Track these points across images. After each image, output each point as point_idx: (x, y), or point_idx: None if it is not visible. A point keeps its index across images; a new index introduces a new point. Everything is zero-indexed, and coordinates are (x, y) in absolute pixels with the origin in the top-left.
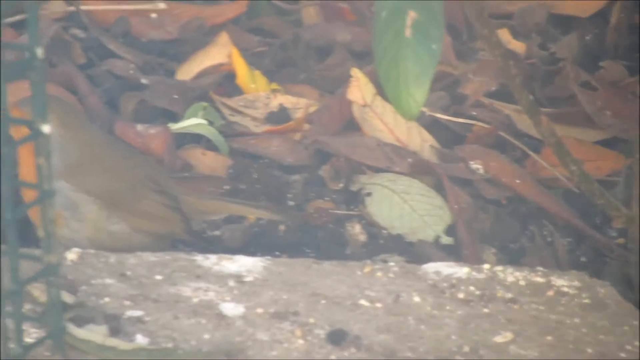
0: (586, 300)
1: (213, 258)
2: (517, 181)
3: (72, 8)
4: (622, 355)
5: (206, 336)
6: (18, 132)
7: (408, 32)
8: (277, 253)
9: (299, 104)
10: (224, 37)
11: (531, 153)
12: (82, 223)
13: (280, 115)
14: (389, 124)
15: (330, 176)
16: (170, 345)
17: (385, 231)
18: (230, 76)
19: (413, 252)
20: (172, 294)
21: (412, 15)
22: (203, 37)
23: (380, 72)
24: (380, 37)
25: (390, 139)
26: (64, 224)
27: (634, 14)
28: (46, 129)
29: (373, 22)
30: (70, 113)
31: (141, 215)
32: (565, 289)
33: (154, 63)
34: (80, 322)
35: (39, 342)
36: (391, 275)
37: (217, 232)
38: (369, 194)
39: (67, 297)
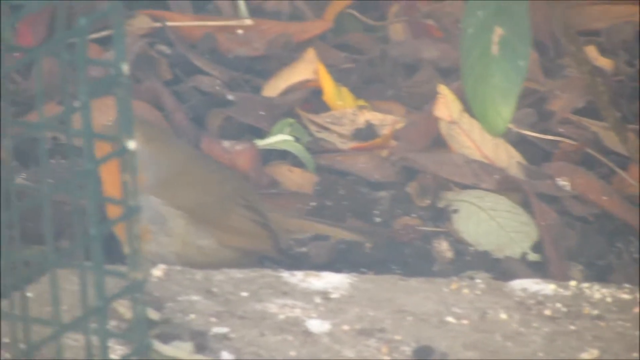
0: None
1: (299, 275)
2: (604, 198)
3: (158, 24)
4: None
5: (292, 353)
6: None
7: (495, 49)
8: (363, 270)
9: (386, 120)
10: (310, 54)
11: (618, 170)
12: (171, 238)
13: (367, 132)
14: (476, 140)
15: (417, 193)
16: None
17: (472, 248)
18: (317, 92)
19: (500, 269)
20: (258, 310)
21: (498, 31)
22: (290, 53)
23: (468, 88)
24: (467, 54)
25: (477, 155)
26: (152, 238)
27: None
28: (132, 145)
29: (460, 39)
30: (155, 129)
31: (229, 231)
32: None
33: (241, 79)
34: (166, 338)
35: (124, 359)
36: (478, 292)
37: (303, 249)
38: (455, 211)
39: (153, 314)
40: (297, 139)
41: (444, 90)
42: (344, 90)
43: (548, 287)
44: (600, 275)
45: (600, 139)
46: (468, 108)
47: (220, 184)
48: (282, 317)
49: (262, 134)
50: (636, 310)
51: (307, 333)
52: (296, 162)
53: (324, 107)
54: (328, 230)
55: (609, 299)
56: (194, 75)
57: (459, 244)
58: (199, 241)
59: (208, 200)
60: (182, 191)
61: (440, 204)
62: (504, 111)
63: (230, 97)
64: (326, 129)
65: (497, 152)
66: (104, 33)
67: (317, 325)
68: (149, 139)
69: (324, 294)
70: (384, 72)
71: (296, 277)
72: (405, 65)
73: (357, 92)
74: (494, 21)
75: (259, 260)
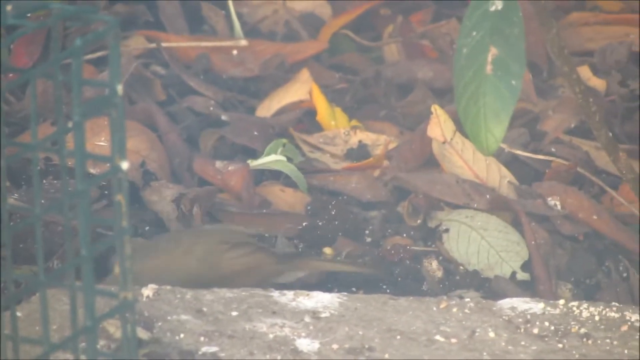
0: None
1: (289, 294)
2: (594, 217)
3: (152, 45)
4: None
5: None
6: None
7: (489, 68)
8: (353, 289)
9: (379, 140)
10: (304, 74)
11: (609, 189)
12: None
13: (360, 152)
14: (468, 160)
15: (409, 212)
16: None
17: (462, 267)
18: (311, 113)
19: (489, 288)
20: (247, 330)
21: (493, 51)
22: (284, 74)
23: (460, 108)
24: (461, 73)
25: (469, 175)
26: None
27: None
28: (124, 165)
29: (454, 59)
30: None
31: (230, 276)
32: None
33: (235, 100)
34: (156, 358)
35: None
36: (467, 310)
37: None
38: (446, 230)
39: (143, 333)
40: (290, 159)
41: (437, 110)
42: (338, 111)
43: (537, 306)
44: (589, 294)
45: (592, 158)
46: (460, 128)
47: (190, 247)
48: (271, 336)
49: (255, 154)
50: (624, 328)
51: (297, 352)
52: (288, 182)
53: (317, 128)
54: (322, 265)
55: (597, 318)
56: (188, 96)
57: (449, 263)
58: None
59: (189, 265)
60: (168, 277)
61: (431, 224)
62: (496, 130)
63: (224, 117)
64: (319, 149)
65: (489, 171)
66: (98, 54)
67: (307, 345)
68: None
69: (314, 313)
70: (378, 92)
71: (286, 297)
72: (399, 86)
73: (351, 112)
74: (488, 41)
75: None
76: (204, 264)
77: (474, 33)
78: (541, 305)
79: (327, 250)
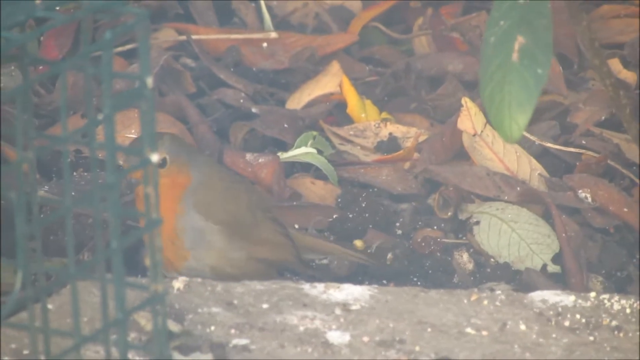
0: None
1: (320, 286)
2: (625, 210)
3: (183, 37)
4: None
5: None
6: None
7: (515, 57)
8: (384, 281)
9: (409, 133)
10: (335, 67)
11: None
12: (209, 252)
13: (390, 145)
14: (498, 153)
15: (439, 205)
16: None
17: (492, 259)
18: (341, 105)
19: (520, 281)
20: (278, 322)
21: (520, 40)
22: (314, 66)
23: (485, 95)
24: (487, 62)
25: (500, 168)
26: (190, 258)
27: None
28: (155, 157)
29: (481, 48)
30: (182, 146)
31: (259, 242)
32: None
33: (265, 92)
34: (186, 350)
35: None
36: (498, 303)
37: (324, 261)
38: (477, 223)
39: (173, 326)
40: (320, 152)
41: (467, 102)
42: (368, 103)
43: (568, 299)
44: (620, 287)
45: (622, 151)
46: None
47: (247, 193)
48: (302, 328)
49: (286, 147)
50: None
51: (327, 344)
52: (319, 174)
53: (347, 120)
54: (339, 250)
55: (628, 310)
56: (218, 88)
57: (479, 255)
58: (232, 254)
59: (241, 213)
60: (218, 205)
61: (462, 216)
62: (520, 119)
63: (254, 110)
64: (349, 141)
65: (520, 164)
66: (128, 46)
67: (337, 337)
68: (177, 157)
69: (345, 306)
70: (408, 85)
71: (317, 289)
72: (429, 78)
73: (381, 104)
74: (516, 31)
75: (280, 272)
76: (251, 214)
77: (502, 22)
78: (572, 297)
79: (358, 243)
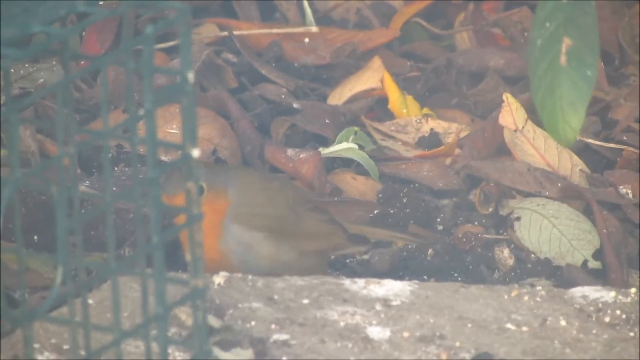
0: None
1: (360, 282)
2: None
3: (224, 33)
4: None
5: None
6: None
7: (563, 60)
8: (424, 277)
9: (450, 128)
10: (376, 62)
11: None
12: (259, 261)
13: (431, 140)
14: (539, 148)
15: (480, 200)
16: None
17: (533, 255)
18: (382, 101)
19: (560, 276)
20: (318, 317)
21: (567, 42)
22: (355, 61)
23: (537, 100)
24: (535, 65)
25: (541, 163)
26: (234, 264)
27: None
28: (195, 153)
29: (528, 50)
30: (217, 171)
31: (306, 236)
32: None
33: (306, 87)
34: (226, 346)
35: None
36: (538, 299)
37: (365, 257)
38: (518, 218)
39: (214, 321)
40: (362, 147)
41: (508, 98)
42: (409, 99)
43: (608, 294)
44: None
45: None
46: (532, 116)
47: (282, 191)
48: (342, 324)
49: (327, 142)
50: None
51: (367, 340)
52: (360, 170)
53: (388, 116)
54: (386, 234)
55: None
56: (259, 84)
57: (520, 251)
58: (283, 257)
59: (281, 212)
60: (258, 212)
61: (503, 212)
62: (573, 121)
63: (295, 105)
64: (390, 137)
65: (560, 160)
66: (170, 43)
67: (377, 332)
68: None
69: (385, 301)
70: (449, 80)
71: (357, 285)
72: (470, 74)
73: (422, 100)
74: (562, 32)
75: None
76: (292, 211)
77: (547, 24)
78: (612, 293)
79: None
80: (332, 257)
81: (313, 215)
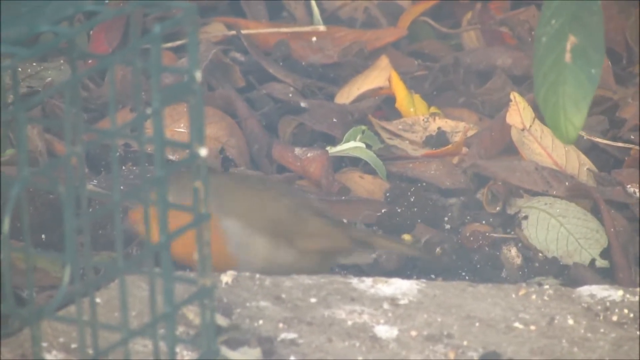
0: None
1: (368, 281)
2: None
3: (232, 32)
4: None
5: (359, 359)
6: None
7: (568, 57)
8: (432, 276)
9: (458, 127)
10: (383, 61)
11: None
12: (255, 258)
13: (439, 139)
14: (547, 147)
15: (488, 199)
16: None
17: (540, 254)
18: (390, 100)
19: (568, 275)
20: (326, 316)
21: (572, 39)
22: (363, 60)
23: (539, 96)
24: (540, 62)
25: (548, 162)
26: (237, 264)
27: None
28: (203, 152)
29: (534, 48)
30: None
31: (309, 236)
32: None
33: (314, 86)
34: (234, 344)
35: None
36: (546, 298)
37: (373, 255)
38: (525, 217)
39: (221, 320)
40: (369, 146)
41: (516, 97)
42: (417, 98)
43: (616, 293)
44: None
45: None
46: (539, 115)
47: (283, 196)
48: (350, 323)
49: (334, 141)
50: None
51: (375, 338)
52: (367, 169)
53: (396, 115)
54: (386, 244)
55: None
56: (267, 83)
57: (528, 250)
58: (280, 259)
59: (282, 215)
60: (256, 212)
61: (510, 211)
62: (576, 119)
63: (303, 104)
64: (398, 136)
65: (568, 159)
66: (178, 42)
67: (385, 331)
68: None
69: (393, 300)
70: (456, 79)
71: (365, 284)
72: (478, 73)
73: (430, 99)
74: (567, 29)
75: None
76: (293, 217)
77: (553, 21)
78: (620, 292)
79: (406, 237)
80: (338, 264)
81: (317, 219)
